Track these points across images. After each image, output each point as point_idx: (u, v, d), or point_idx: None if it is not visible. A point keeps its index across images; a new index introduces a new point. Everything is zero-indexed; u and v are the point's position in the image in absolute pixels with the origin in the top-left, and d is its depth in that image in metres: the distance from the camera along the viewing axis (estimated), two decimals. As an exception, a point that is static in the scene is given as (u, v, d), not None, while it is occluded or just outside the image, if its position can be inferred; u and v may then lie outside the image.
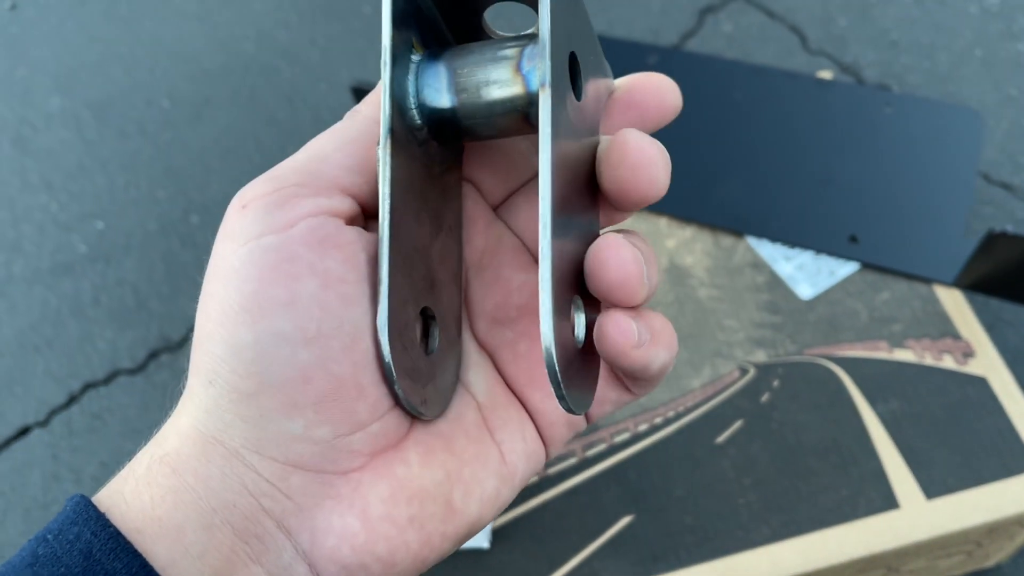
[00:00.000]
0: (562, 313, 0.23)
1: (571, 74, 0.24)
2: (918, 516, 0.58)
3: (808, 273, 0.68)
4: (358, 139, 0.24)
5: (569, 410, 0.23)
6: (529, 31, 0.26)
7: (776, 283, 0.68)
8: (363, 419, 0.23)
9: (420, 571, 0.24)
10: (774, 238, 0.69)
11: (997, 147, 0.94)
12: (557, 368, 0.22)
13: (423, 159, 0.25)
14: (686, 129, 0.75)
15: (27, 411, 0.91)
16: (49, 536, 0.21)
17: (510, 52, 0.25)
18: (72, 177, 1.09)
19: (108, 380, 0.92)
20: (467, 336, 0.28)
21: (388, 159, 0.23)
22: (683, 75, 0.82)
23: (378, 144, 0.24)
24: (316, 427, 0.22)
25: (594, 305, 0.25)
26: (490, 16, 0.27)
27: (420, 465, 0.24)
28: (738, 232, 0.70)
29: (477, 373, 0.27)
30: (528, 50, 0.24)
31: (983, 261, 0.63)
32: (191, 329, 0.94)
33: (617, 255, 0.23)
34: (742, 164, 0.74)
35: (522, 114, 0.25)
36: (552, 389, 0.22)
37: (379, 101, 0.24)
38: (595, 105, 0.26)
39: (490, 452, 0.26)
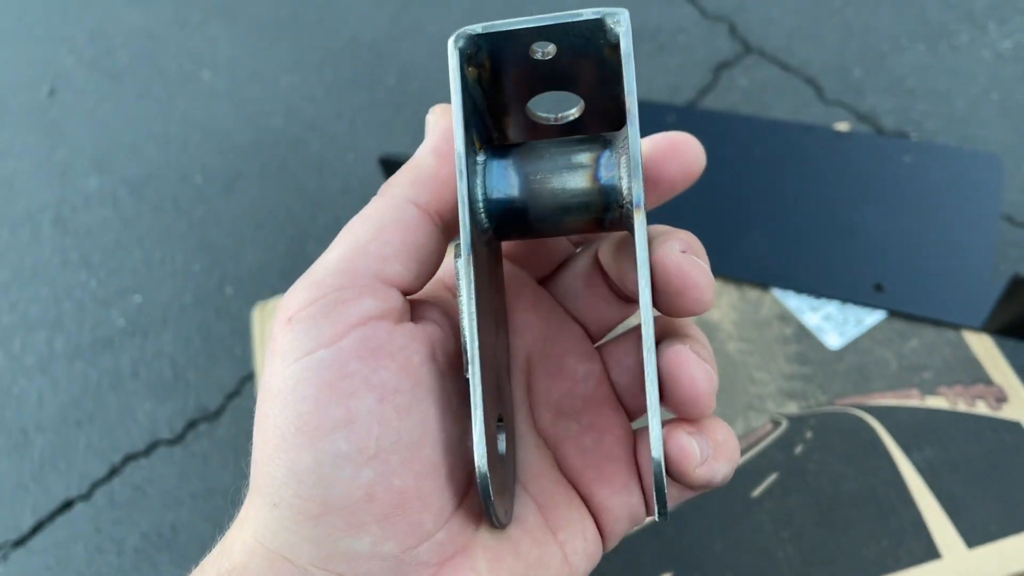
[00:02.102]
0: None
1: None
2: (961, 565, 0.57)
3: (835, 323, 0.68)
4: (392, 223, 0.24)
5: (663, 516, 0.23)
6: (573, 114, 0.27)
7: (804, 334, 0.68)
8: (429, 529, 0.22)
9: None
10: (799, 289, 0.70)
11: (1019, 189, 0.94)
12: (665, 484, 0.22)
13: (486, 259, 0.25)
14: (708, 184, 0.77)
15: (70, 485, 0.93)
16: None
17: (584, 159, 0.24)
18: (110, 253, 1.12)
19: (148, 451, 0.94)
20: (528, 430, 0.27)
21: (472, 275, 0.23)
22: (702, 132, 0.83)
23: (456, 256, 0.23)
24: (383, 543, 0.21)
25: None
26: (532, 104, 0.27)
27: (489, 571, 0.23)
28: (763, 285, 0.71)
29: (538, 469, 0.27)
30: (604, 159, 0.24)
31: (1010, 305, 0.63)
32: (228, 398, 0.95)
33: (689, 373, 0.23)
34: (765, 217, 0.75)
35: (594, 219, 0.25)
36: (655, 502, 0.22)
37: (413, 179, 0.24)
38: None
39: (554, 554, 0.25)
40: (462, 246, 0.23)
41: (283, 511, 0.21)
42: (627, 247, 0.26)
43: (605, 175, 0.24)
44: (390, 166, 0.77)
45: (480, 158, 0.25)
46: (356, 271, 0.23)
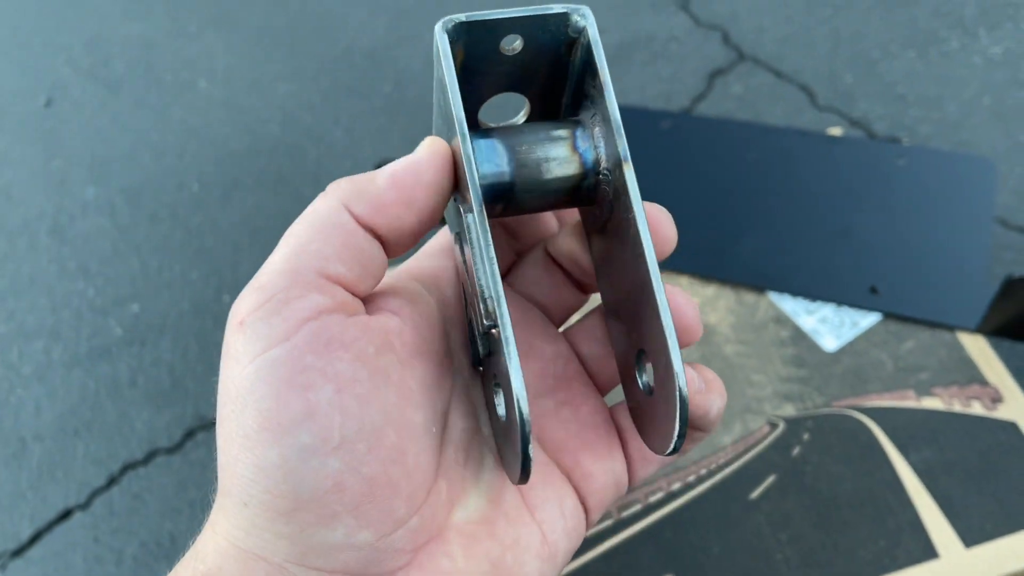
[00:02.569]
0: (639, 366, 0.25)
1: None
2: (958, 565, 0.58)
3: (831, 326, 0.69)
4: (330, 225, 0.24)
5: (678, 448, 0.24)
6: (520, 119, 0.29)
7: (800, 337, 0.69)
8: (402, 516, 0.22)
9: None
10: (795, 293, 0.70)
11: (1012, 193, 0.95)
12: (688, 402, 0.23)
13: None
14: (704, 190, 0.78)
15: (68, 494, 0.93)
16: None
17: (563, 133, 0.27)
18: (107, 262, 1.12)
19: (147, 460, 0.94)
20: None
21: (487, 224, 0.24)
22: (696, 138, 0.84)
23: (465, 213, 0.25)
24: (357, 532, 0.22)
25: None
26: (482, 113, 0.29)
27: (464, 557, 0.24)
28: (760, 288, 0.71)
29: None
30: (578, 132, 0.27)
31: (1004, 306, 0.63)
32: (226, 406, 0.96)
33: (678, 301, 0.24)
34: (760, 222, 0.76)
35: (572, 189, 0.27)
36: (675, 428, 0.23)
37: (359, 190, 0.24)
38: None
39: (532, 534, 0.26)
40: (472, 197, 0.24)
41: (254, 509, 0.21)
42: (579, 234, 0.28)
43: (581, 145, 0.26)
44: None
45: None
46: (300, 269, 0.23)
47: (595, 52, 0.25)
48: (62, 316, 1.08)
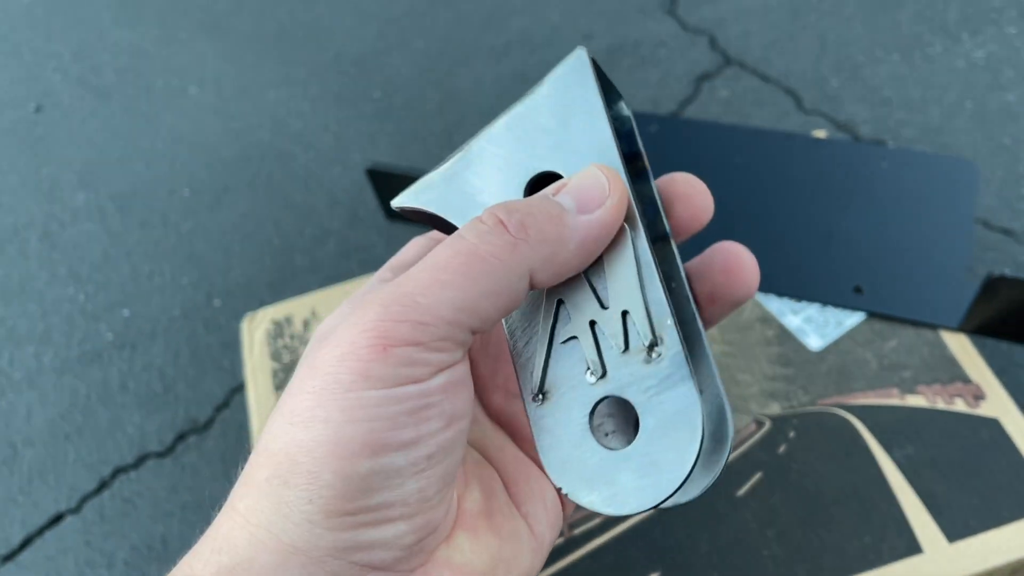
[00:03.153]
0: None
1: None
2: (942, 560, 0.58)
3: (816, 325, 0.69)
4: (507, 289, 0.23)
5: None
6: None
7: (786, 336, 0.70)
8: (438, 523, 0.23)
9: None
10: (781, 293, 0.71)
11: (994, 194, 0.96)
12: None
13: None
14: (689, 192, 0.78)
15: (59, 499, 0.93)
16: None
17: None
18: (98, 268, 1.13)
19: (138, 464, 0.94)
20: (482, 414, 0.29)
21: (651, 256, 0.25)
22: (683, 141, 0.85)
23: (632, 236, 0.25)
24: (404, 536, 0.22)
25: None
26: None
27: (471, 550, 0.24)
28: (746, 289, 0.72)
29: (498, 448, 0.28)
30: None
31: (985, 305, 0.64)
32: (217, 410, 0.96)
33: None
34: (746, 223, 0.77)
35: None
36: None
37: (548, 255, 0.24)
38: None
39: (521, 527, 0.27)
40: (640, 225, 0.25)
41: (317, 506, 0.21)
42: None
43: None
44: (378, 177, 0.78)
45: None
46: (462, 325, 0.23)
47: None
48: (53, 321, 1.08)
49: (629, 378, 0.24)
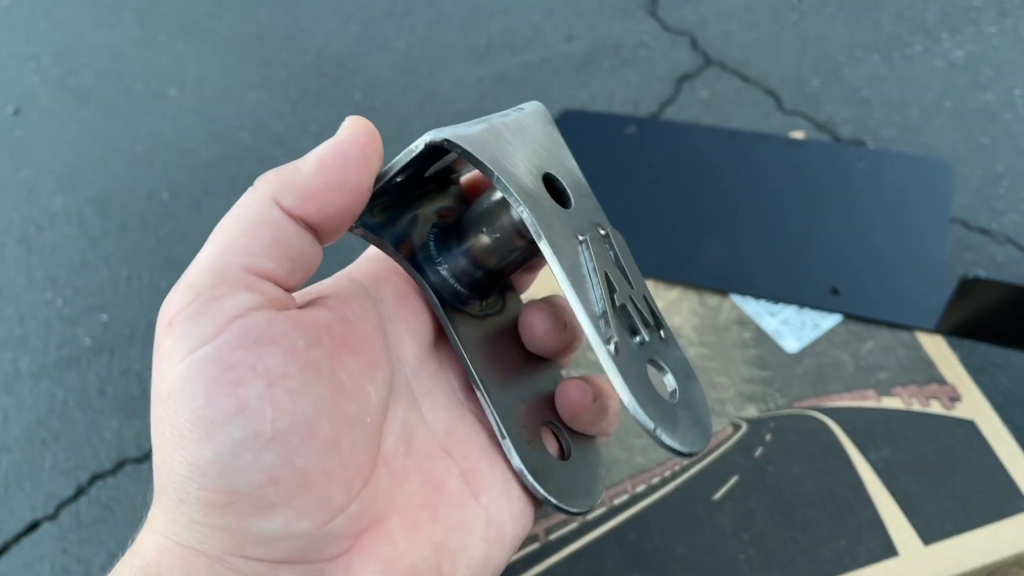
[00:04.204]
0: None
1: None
2: (917, 562, 0.58)
3: (793, 327, 0.69)
4: (258, 220, 0.24)
5: (571, 513, 0.27)
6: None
7: (763, 338, 0.69)
8: (340, 503, 0.23)
9: None
10: (758, 295, 0.71)
11: (973, 194, 0.96)
12: (540, 490, 0.28)
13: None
14: (667, 194, 0.78)
15: (36, 505, 0.92)
16: None
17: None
18: (76, 272, 1.12)
19: (115, 470, 0.93)
20: (452, 400, 0.29)
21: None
22: (661, 143, 0.85)
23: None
24: (295, 522, 0.22)
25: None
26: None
27: (407, 541, 0.24)
28: (722, 291, 0.72)
29: (462, 435, 0.28)
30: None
31: (960, 306, 0.64)
32: (196, 415, 0.95)
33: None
34: (723, 225, 0.77)
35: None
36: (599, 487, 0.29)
37: (287, 180, 0.25)
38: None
39: (476, 517, 0.26)
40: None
41: (190, 505, 0.22)
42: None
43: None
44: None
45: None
46: (227, 267, 0.23)
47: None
48: (30, 326, 1.07)
49: (658, 349, 0.27)
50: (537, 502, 0.28)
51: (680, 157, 0.82)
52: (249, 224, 0.24)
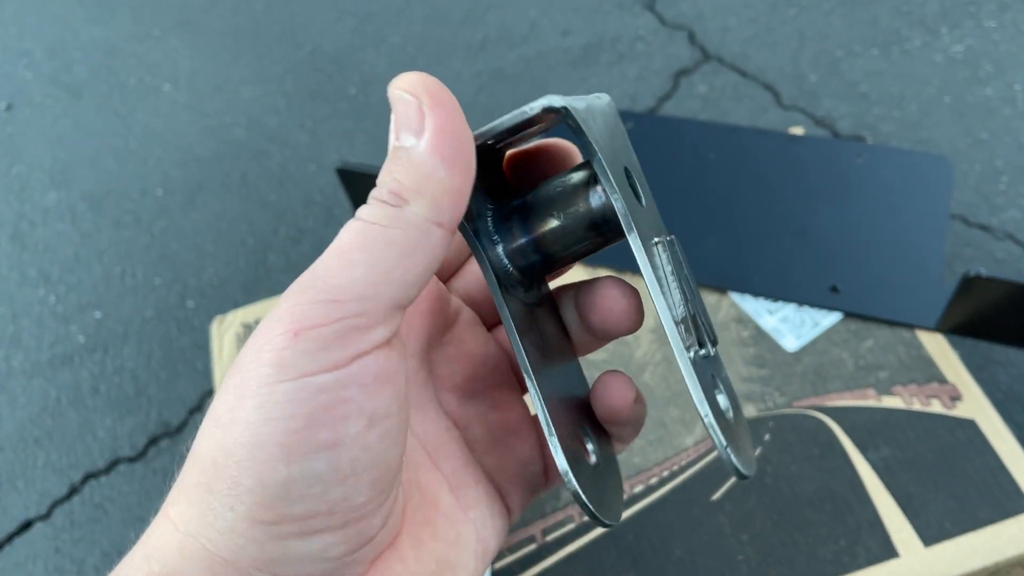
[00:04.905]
0: (574, 438, 0.27)
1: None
2: (918, 564, 0.58)
3: (792, 325, 0.69)
4: (418, 250, 0.22)
5: (604, 525, 0.26)
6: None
7: (761, 337, 0.69)
8: (372, 534, 0.22)
9: None
10: (756, 292, 0.70)
11: (972, 190, 0.96)
12: (583, 495, 0.25)
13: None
14: (665, 191, 0.77)
15: (29, 505, 0.91)
16: None
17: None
18: (69, 269, 1.11)
19: (109, 469, 0.93)
20: (436, 414, 0.28)
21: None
22: (658, 138, 0.84)
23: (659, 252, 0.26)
24: (333, 548, 0.22)
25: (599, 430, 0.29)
26: None
27: (415, 559, 0.24)
28: (721, 288, 0.71)
29: (449, 451, 0.27)
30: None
31: (962, 304, 0.64)
32: (191, 413, 0.94)
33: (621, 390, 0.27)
34: (721, 222, 0.76)
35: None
36: (581, 509, 0.25)
37: (432, 198, 0.22)
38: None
39: (468, 532, 0.26)
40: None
41: (239, 514, 0.21)
42: None
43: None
44: (348, 177, 0.76)
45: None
46: (378, 297, 0.21)
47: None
48: (23, 324, 1.06)
49: (716, 364, 0.27)
50: (511, 516, 0.29)
51: (678, 153, 0.81)
52: (408, 253, 0.22)
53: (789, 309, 0.70)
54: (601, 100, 0.27)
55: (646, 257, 0.24)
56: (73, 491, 0.92)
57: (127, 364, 1.01)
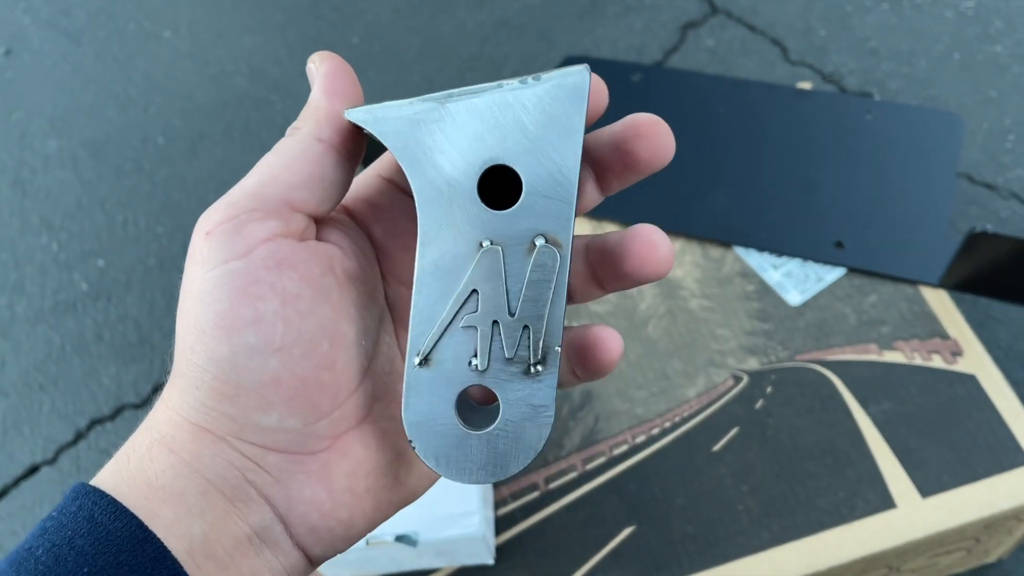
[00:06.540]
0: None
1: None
2: (915, 515, 0.59)
3: (796, 280, 0.69)
4: (300, 156, 0.27)
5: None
6: None
7: (765, 291, 0.69)
8: (325, 410, 0.26)
9: (370, 531, 0.29)
10: (761, 247, 0.71)
11: (979, 148, 0.95)
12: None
13: None
14: (671, 144, 0.77)
15: (35, 450, 0.92)
16: (55, 513, 0.24)
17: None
18: (71, 217, 1.11)
19: (114, 415, 0.94)
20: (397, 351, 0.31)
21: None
22: (666, 91, 0.83)
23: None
24: (287, 419, 0.26)
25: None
26: None
27: (377, 447, 0.28)
28: (726, 243, 0.71)
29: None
30: None
31: (966, 261, 0.64)
32: (194, 361, 0.95)
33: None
34: (727, 176, 0.76)
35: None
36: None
37: (315, 119, 0.27)
38: None
39: None
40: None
41: (204, 392, 0.25)
42: None
43: None
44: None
45: None
46: (268, 196, 0.26)
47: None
48: (25, 271, 1.06)
49: (506, 380, 0.27)
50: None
51: (685, 106, 0.81)
52: (292, 159, 0.27)
53: (793, 264, 0.70)
54: (536, 86, 0.27)
55: (421, 249, 0.26)
56: (79, 436, 0.93)
57: (130, 312, 1.01)
